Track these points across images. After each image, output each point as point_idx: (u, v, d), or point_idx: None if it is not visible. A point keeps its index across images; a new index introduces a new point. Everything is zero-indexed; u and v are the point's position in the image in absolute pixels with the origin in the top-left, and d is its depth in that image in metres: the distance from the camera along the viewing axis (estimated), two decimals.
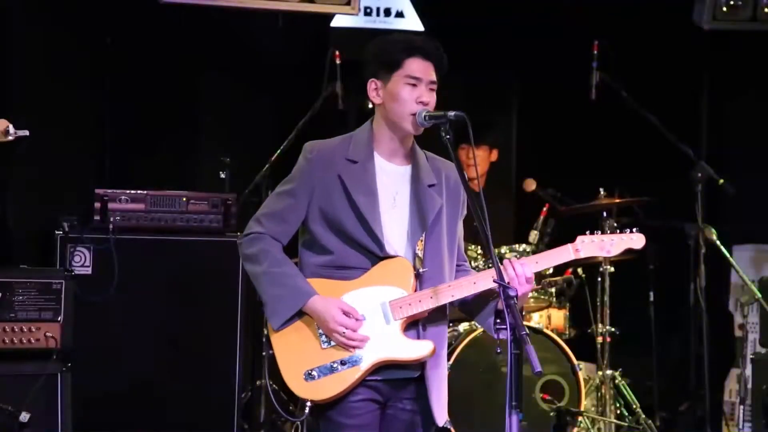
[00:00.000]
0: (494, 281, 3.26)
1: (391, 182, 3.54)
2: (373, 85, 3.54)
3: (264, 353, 3.59)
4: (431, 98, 3.50)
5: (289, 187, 3.54)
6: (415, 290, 3.47)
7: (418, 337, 3.48)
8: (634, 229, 3.61)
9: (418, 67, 3.48)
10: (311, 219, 3.51)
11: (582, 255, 3.55)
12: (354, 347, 3.42)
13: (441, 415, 3.53)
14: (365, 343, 3.42)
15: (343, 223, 3.46)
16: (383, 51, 3.52)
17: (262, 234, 3.53)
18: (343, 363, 3.42)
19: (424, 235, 3.50)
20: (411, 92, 3.47)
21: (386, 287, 3.46)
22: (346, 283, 3.47)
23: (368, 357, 3.43)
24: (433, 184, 3.56)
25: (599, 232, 3.58)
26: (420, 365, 3.49)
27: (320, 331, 3.45)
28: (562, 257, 3.54)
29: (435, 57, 3.51)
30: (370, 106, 3.64)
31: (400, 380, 3.51)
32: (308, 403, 3.43)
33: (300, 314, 3.47)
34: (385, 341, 3.44)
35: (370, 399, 3.47)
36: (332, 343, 3.43)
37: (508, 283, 3.35)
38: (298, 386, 3.44)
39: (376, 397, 3.48)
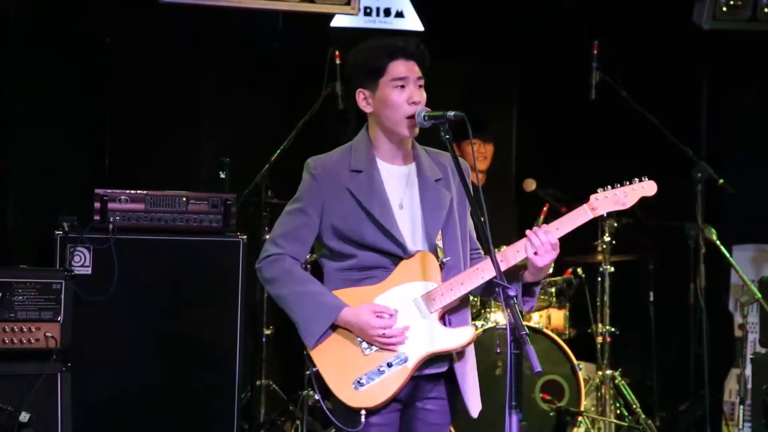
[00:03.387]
0: (494, 281, 3.25)
1: (397, 184, 3.54)
2: (361, 96, 3.53)
3: (308, 371, 3.54)
4: (421, 95, 3.49)
5: (299, 206, 3.53)
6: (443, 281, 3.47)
7: (450, 327, 3.48)
8: (644, 177, 3.58)
9: (402, 68, 3.47)
10: (324, 234, 3.51)
11: (599, 212, 3.51)
12: (396, 344, 3.40)
13: (474, 406, 3.54)
14: (405, 338, 3.41)
15: (363, 234, 3.45)
16: (365, 60, 3.51)
17: (281, 255, 3.51)
18: (389, 365, 3.41)
19: (441, 228, 3.51)
20: (401, 94, 3.46)
21: (415, 283, 3.46)
22: (373, 288, 3.46)
23: (414, 353, 3.42)
24: (440, 178, 3.57)
25: (610, 187, 3.55)
26: (448, 358, 3.49)
27: (359, 338, 3.44)
28: (580, 219, 3.49)
29: (416, 54, 3.49)
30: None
31: (427, 377, 3.49)
32: (362, 412, 3.39)
33: (333, 327, 3.45)
34: (427, 335, 3.42)
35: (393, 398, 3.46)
36: (374, 348, 3.42)
37: (535, 252, 3.40)
38: (349, 397, 3.40)
39: (399, 396, 3.47)
